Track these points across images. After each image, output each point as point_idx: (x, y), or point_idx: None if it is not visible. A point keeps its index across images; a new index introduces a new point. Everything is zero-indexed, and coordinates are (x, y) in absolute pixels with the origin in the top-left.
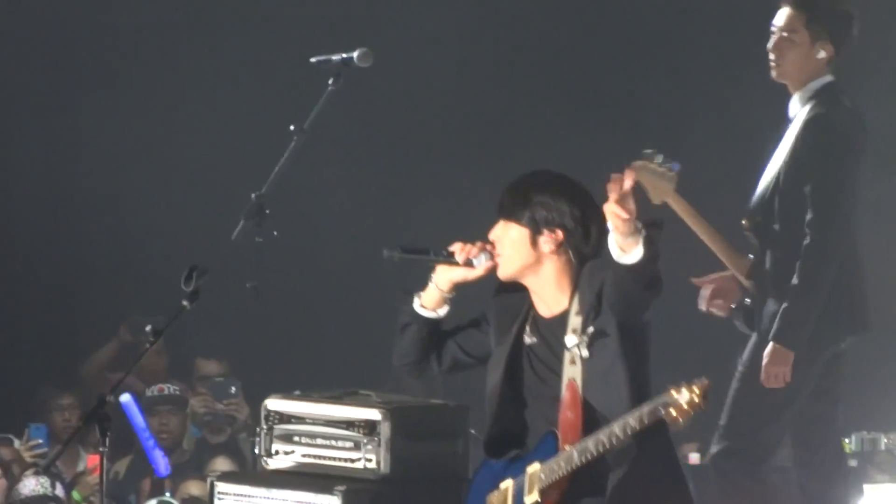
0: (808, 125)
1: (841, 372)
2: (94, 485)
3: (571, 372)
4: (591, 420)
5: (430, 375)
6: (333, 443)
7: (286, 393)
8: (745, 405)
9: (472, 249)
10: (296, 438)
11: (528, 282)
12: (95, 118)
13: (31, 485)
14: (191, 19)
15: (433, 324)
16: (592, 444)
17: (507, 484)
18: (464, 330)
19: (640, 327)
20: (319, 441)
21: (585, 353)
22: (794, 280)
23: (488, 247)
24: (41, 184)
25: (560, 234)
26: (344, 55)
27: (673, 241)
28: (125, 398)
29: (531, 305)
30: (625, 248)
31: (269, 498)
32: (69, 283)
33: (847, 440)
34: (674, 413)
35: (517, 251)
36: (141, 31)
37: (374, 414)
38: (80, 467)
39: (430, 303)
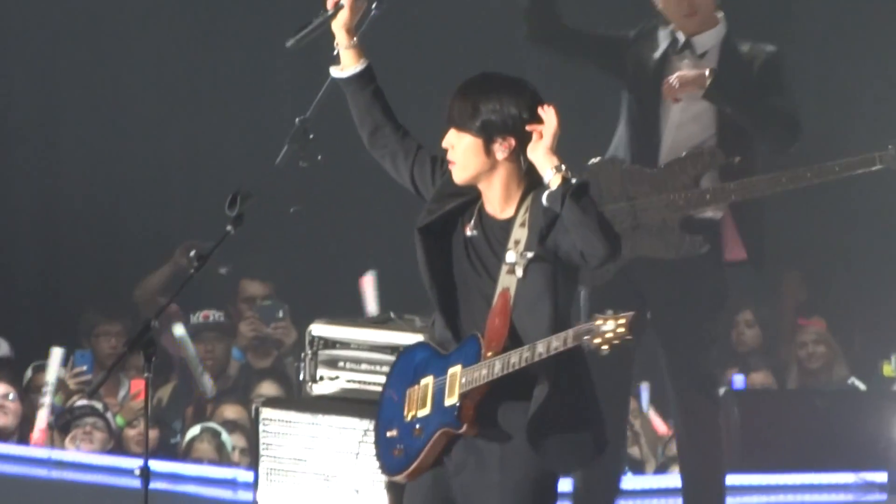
0: None
1: None
2: (137, 410)
3: (507, 281)
4: (515, 335)
5: (383, 163)
6: (378, 368)
7: (331, 318)
8: None
9: None
10: (340, 364)
11: (480, 186)
12: (136, 59)
13: (82, 403)
14: None
15: (360, 79)
16: (516, 358)
17: (428, 381)
18: (424, 160)
19: (574, 269)
20: (364, 366)
21: (520, 273)
22: None
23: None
24: (89, 114)
25: (512, 140)
26: None
27: None
28: (179, 330)
29: (480, 199)
30: (541, 169)
31: (314, 424)
32: (118, 207)
33: (888, 361)
34: (598, 341)
35: (471, 159)
36: None
37: (418, 338)
38: (122, 394)
39: (346, 63)
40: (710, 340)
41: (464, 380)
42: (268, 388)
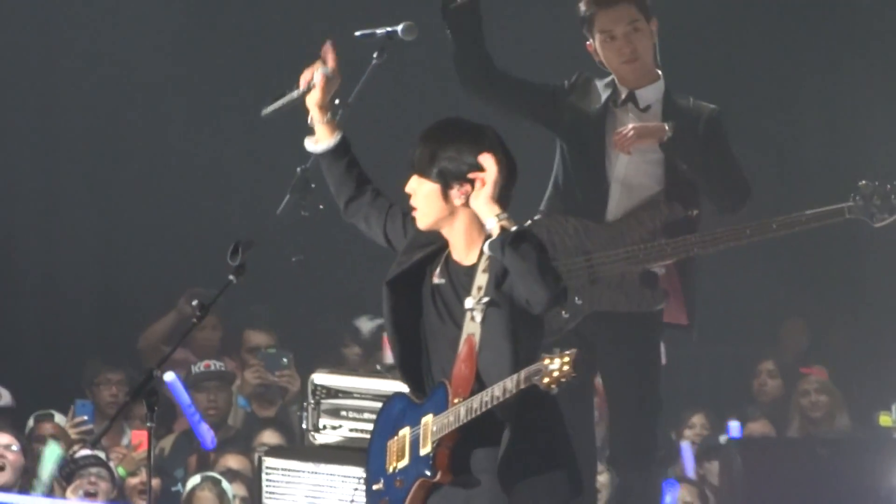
0: None
1: None
2: (139, 460)
3: (471, 328)
4: (481, 380)
5: (359, 227)
6: None
7: (333, 367)
8: None
9: (307, 73)
10: (343, 413)
11: (444, 232)
12: (139, 96)
13: (86, 452)
14: None
15: (335, 153)
16: (477, 403)
17: (405, 432)
18: (395, 216)
19: (522, 314)
20: (367, 415)
21: (479, 318)
22: None
23: (317, 64)
24: (89, 159)
25: (468, 187)
26: (388, 29)
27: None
28: (169, 377)
29: (447, 247)
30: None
31: (316, 472)
32: (119, 257)
33: (887, 412)
34: (546, 380)
35: (430, 205)
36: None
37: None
38: (124, 443)
39: (321, 137)
40: (653, 409)
41: (434, 428)
42: (269, 437)
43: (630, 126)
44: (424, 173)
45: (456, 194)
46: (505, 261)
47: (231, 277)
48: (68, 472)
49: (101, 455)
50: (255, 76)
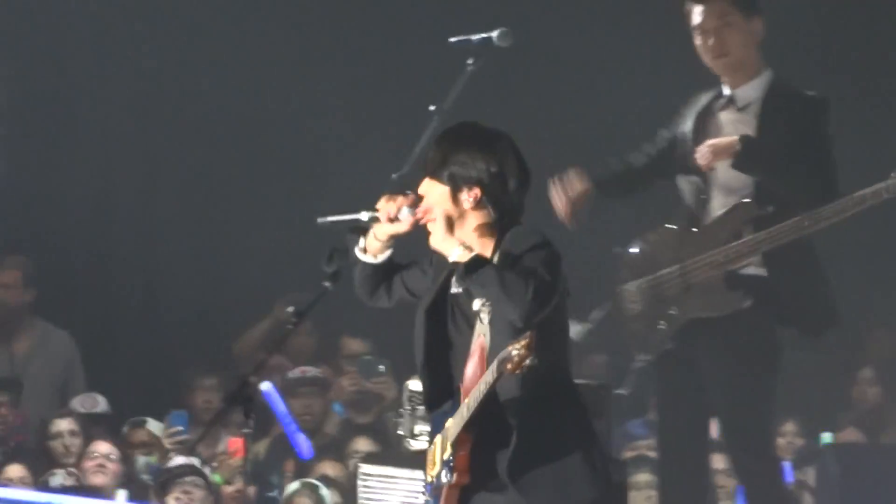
0: None
1: None
2: (235, 467)
3: (481, 329)
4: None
5: (381, 306)
6: None
7: None
8: None
9: (393, 206)
10: None
11: (455, 235)
12: (225, 101)
13: (181, 460)
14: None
15: (375, 267)
16: (472, 400)
17: (437, 440)
18: (410, 269)
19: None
20: None
21: (486, 319)
22: None
23: (408, 201)
24: (185, 167)
25: (478, 190)
26: (483, 35)
27: None
28: (266, 386)
29: None
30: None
31: (412, 479)
32: (215, 263)
33: None
34: (509, 366)
35: (440, 208)
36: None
37: None
38: (220, 449)
39: (371, 249)
40: (764, 399)
41: (451, 432)
42: (364, 444)
43: (706, 144)
44: (436, 176)
45: (465, 198)
46: (473, 292)
47: (326, 284)
48: (163, 481)
49: (196, 462)
50: (352, 78)
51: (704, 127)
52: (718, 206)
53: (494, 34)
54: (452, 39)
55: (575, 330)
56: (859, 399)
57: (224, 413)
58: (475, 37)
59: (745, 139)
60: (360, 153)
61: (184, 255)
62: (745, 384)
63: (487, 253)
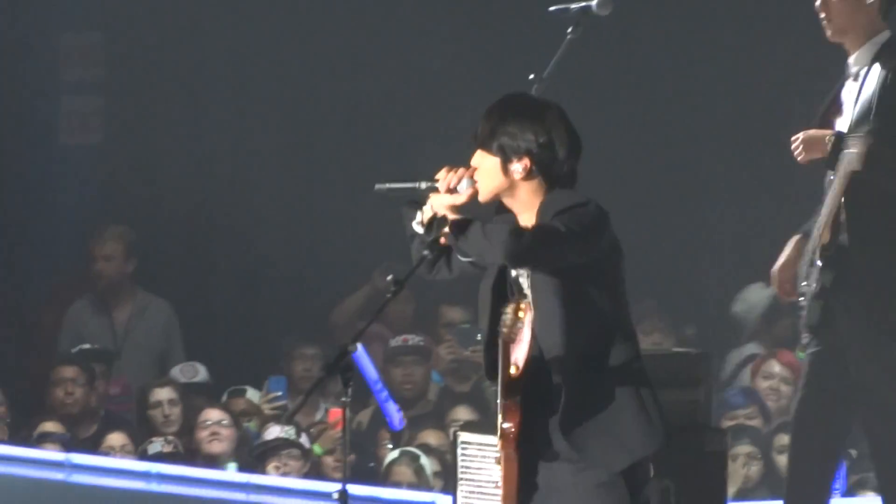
0: None
1: None
2: (336, 439)
3: (531, 295)
4: (538, 344)
5: (444, 278)
6: None
7: None
8: None
9: (453, 178)
10: None
11: (508, 204)
12: (320, 71)
13: (276, 431)
14: None
15: (433, 240)
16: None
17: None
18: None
19: (576, 273)
20: None
21: (526, 283)
22: None
23: (469, 173)
24: (280, 137)
25: (527, 160)
26: (583, 3)
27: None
28: (355, 349)
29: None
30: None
31: None
32: (313, 232)
33: None
34: (504, 331)
35: (491, 179)
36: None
37: None
38: (318, 417)
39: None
40: None
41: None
42: (463, 413)
43: (801, 135)
44: (486, 147)
45: (516, 169)
46: (462, 254)
47: (426, 252)
48: (259, 453)
49: (292, 431)
50: (452, 45)
51: (834, 102)
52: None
53: (594, 2)
54: (552, 8)
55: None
56: None
57: (323, 382)
58: (574, 5)
59: (837, 135)
60: (458, 124)
61: (282, 223)
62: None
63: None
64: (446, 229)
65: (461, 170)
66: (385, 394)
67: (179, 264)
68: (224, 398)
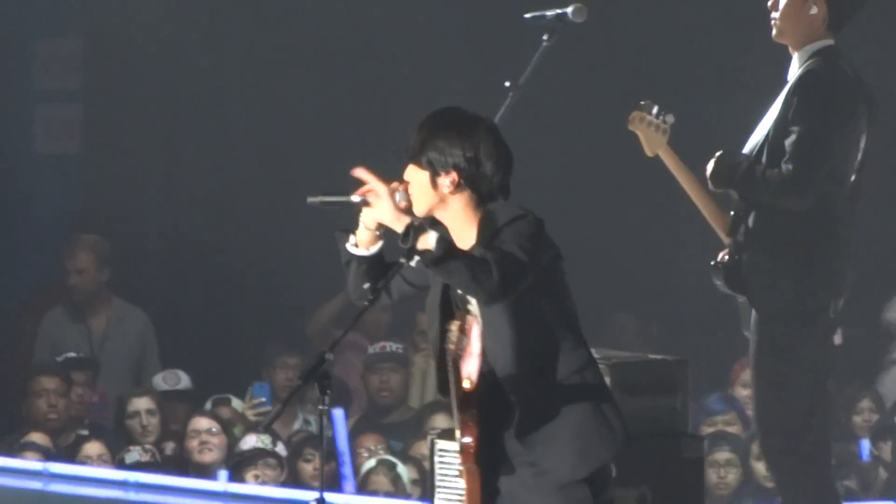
0: (797, 81)
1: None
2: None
3: (474, 309)
4: (486, 360)
5: (382, 305)
6: None
7: None
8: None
9: (379, 185)
10: None
11: (441, 219)
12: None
13: (252, 441)
14: None
15: (370, 260)
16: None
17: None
18: (398, 265)
19: (543, 284)
20: None
21: (474, 301)
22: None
23: (402, 187)
24: (256, 142)
25: (455, 175)
26: (559, 11)
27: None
28: (338, 413)
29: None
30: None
31: None
32: (292, 240)
33: None
34: (451, 347)
35: (422, 192)
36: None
37: None
38: (296, 427)
39: (362, 242)
40: None
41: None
42: (442, 421)
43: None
44: (416, 161)
45: (444, 182)
46: (439, 277)
47: (402, 260)
48: (235, 463)
49: (268, 440)
50: (425, 53)
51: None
52: None
53: (569, 9)
54: (528, 15)
55: None
56: None
57: (300, 390)
58: (550, 12)
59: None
60: None
61: (258, 231)
62: None
63: (472, 235)
64: (425, 246)
65: (393, 183)
66: (348, 466)
67: (156, 272)
68: (208, 406)
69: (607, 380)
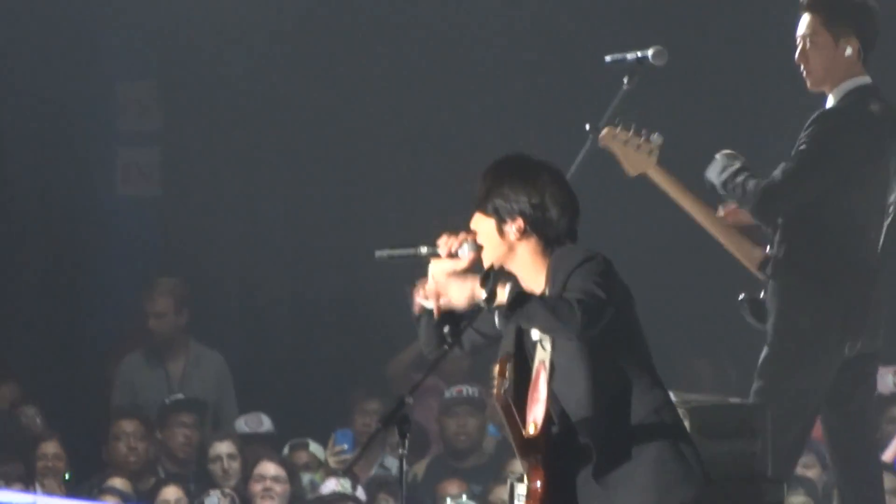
0: (816, 114)
1: (858, 383)
2: None
3: (541, 355)
4: (558, 405)
5: (454, 357)
6: None
7: None
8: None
9: (454, 242)
10: None
11: (510, 267)
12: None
13: (332, 485)
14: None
15: (441, 314)
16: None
17: None
18: (476, 312)
19: (617, 328)
20: None
21: (548, 346)
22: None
23: (470, 237)
24: (336, 186)
25: (521, 221)
26: (639, 54)
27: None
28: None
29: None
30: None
31: None
32: (376, 284)
33: None
34: (495, 392)
35: (489, 241)
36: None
37: None
38: (373, 472)
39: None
40: None
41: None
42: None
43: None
44: (482, 209)
45: (510, 230)
46: (520, 322)
47: (483, 305)
48: None
49: (348, 484)
50: (506, 93)
51: None
52: None
53: (650, 52)
54: (608, 58)
55: None
56: None
57: (380, 434)
58: (630, 55)
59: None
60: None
61: (337, 273)
62: None
63: (541, 283)
64: (503, 297)
65: (461, 234)
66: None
67: (235, 315)
68: (286, 450)
69: (686, 424)
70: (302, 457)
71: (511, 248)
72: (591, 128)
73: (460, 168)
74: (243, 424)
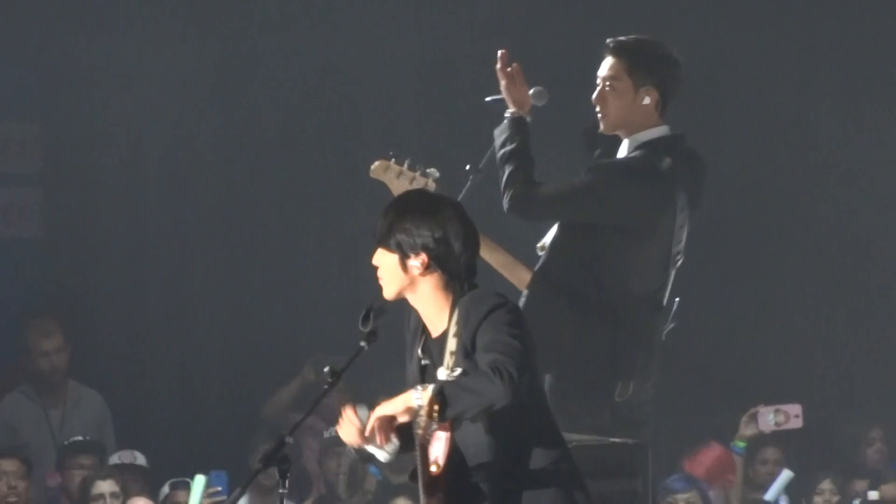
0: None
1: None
2: None
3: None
4: (458, 450)
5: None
6: None
7: None
8: None
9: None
10: None
11: (412, 302)
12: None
13: None
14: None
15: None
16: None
17: None
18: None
19: None
20: None
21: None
22: None
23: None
24: (219, 225)
25: (424, 256)
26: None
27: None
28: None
29: (423, 325)
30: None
31: None
32: (250, 324)
33: None
34: (420, 431)
35: (391, 276)
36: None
37: None
38: None
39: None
40: None
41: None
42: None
43: None
44: (384, 244)
45: (414, 264)
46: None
47: (363, 344)
48: None
49: None
50: (386, 135)
51: None
52: None
53: (530, 92)
54: (488, 99)
55: None
56: (869, 458)
57: (259, 474)
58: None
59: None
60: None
61: (217, 314)
62: None
63: (444, 316)
64: (432, 409)
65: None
66: None
67: (114, 356)
68: (166, 489)
69: None
70: (181, 497)
71: (413, 283)
72: (471, 168)
73: (347, 227)
74: (117, 458)
